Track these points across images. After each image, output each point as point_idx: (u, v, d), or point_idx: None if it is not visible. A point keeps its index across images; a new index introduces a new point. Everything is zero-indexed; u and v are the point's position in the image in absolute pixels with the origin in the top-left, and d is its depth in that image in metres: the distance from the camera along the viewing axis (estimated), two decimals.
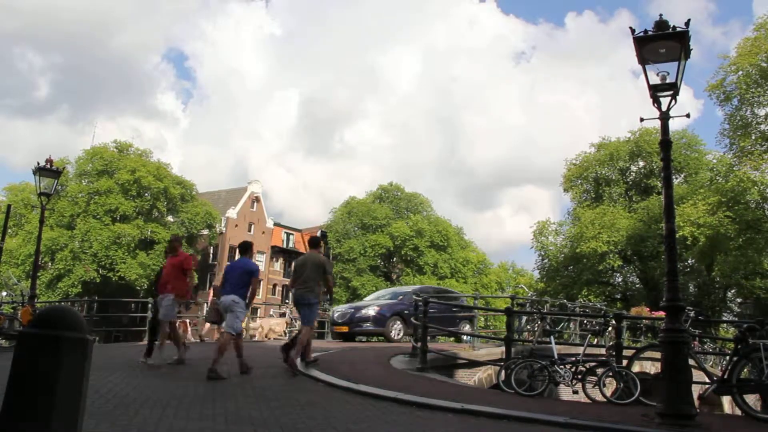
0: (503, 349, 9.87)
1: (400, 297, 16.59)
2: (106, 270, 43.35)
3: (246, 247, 9.15)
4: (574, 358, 8.32)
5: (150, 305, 16.60)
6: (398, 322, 15.59)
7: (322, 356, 10.35)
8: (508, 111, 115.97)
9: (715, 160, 37.13)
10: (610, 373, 7.66)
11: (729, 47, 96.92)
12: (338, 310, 16.86)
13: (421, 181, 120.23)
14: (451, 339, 19.55)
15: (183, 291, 9.23)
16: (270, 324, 18.25)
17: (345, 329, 16.06)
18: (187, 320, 20.96)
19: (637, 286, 42.07)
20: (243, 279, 8.44)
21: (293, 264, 9.58)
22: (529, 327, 14.95)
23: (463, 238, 58.65)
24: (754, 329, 6.78)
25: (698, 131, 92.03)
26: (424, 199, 58.62)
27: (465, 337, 17.04)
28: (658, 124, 6.25)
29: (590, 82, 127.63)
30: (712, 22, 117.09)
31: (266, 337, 17.79)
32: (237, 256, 9.29)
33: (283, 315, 20.27)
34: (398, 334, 15.51)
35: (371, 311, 15.77)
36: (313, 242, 9.49)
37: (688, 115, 6.49)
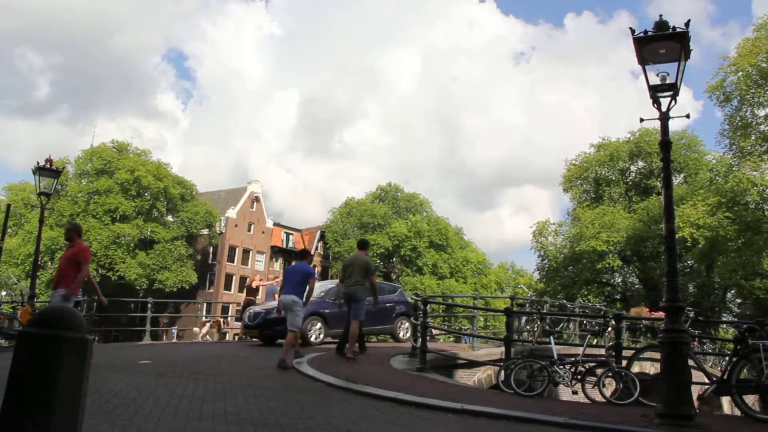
0: (503, 349, 9.87)
1: (322, 294, 14.08)
2: (105, 270, 43.35)
3: (304, 254, 10.84)
4: (573, 359, 8.32)
5: (150, 305, 16.76)
6: (318, 323, 13.29)
7: (321, 356, 10.37)
8: (508, 111, 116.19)
9: (714, 161, 37.19)
10: (610, 374, 7.66)
11: (728, 48, 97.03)
12: (251, 310, 14.49)
13: (421, 181, 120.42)
14: (448, 339, 19.32)
15: (73, 285, 8.12)
16: None
17: (256, 332, 13.91)
18: (221, 320, 21.15)
19: (637, 286, 42.12)
20: (302, 280, 9.52)
21: (343, 264, 11.16)
22: (528, 327, 14.96)
23: (463, 238, 58.69)
24: (754, 330, 6.79)
25: (698, 132, 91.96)
26: (423, 199, 58.67)
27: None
28: (657, 124, 6.24)
29: (590, 83, 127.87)
30: (711, 24, 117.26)
31: None
32: (294, 261, 10.69)
33: None
34: (317, 337, 13.20)
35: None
36: (361, 245, 11.09)
37: (687, 116, 6.48)
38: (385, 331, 15.28)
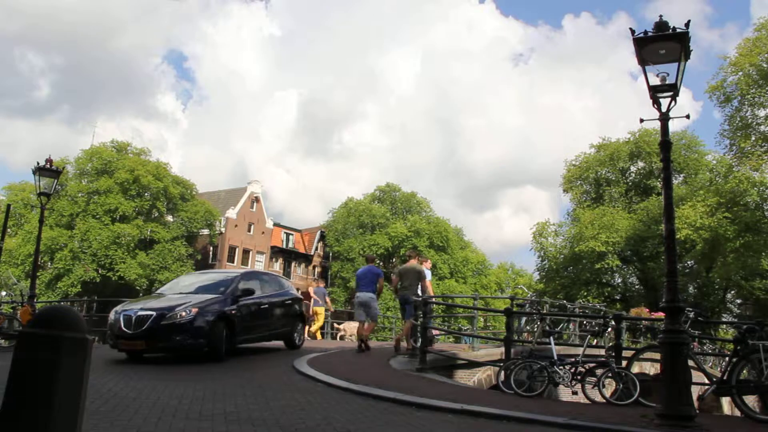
0: (503, 349, 9.87)
1: (222, 288, 10.56)
2: (105, 270, 43.31)
3: (372, 258, 13.51)
4: (573, 359, 8.32)
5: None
6: (225, 331, 9.89)
7: (321, 356, 10.36)
8: (507, 112, 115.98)
9: (714, 161, 37.17)
10: (610, 374, 7.66)
11: (726, 50, 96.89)
12: (127, 313, 9.66)
13: (420, 182, 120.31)
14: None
15: None
16: (351, 327, 19.27)
17: (141, 345, 9.48)
18: None
19: (637, 287, 42.09)
20: (374, 280, 11.86)
21: (398, 270, 12.54)
22: (528, 328, 14.98)
23: (462, 239, 58.67)
24: (754, 330, 6.78)
25: (698, 133, 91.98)
26: (421, 199, 58.68)
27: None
28: (657, 125, 6.25)
29: (588, 84, 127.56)
30: (709, 25, 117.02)
31: (349, 337, 19.16)
32: (364, 266, 12.79)
33: None
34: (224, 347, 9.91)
35: (187, 314, 9.44)
36: (416, 253, 13.16)
37: (687, 116, 6.47)
38: (280, 336, 12.01)
